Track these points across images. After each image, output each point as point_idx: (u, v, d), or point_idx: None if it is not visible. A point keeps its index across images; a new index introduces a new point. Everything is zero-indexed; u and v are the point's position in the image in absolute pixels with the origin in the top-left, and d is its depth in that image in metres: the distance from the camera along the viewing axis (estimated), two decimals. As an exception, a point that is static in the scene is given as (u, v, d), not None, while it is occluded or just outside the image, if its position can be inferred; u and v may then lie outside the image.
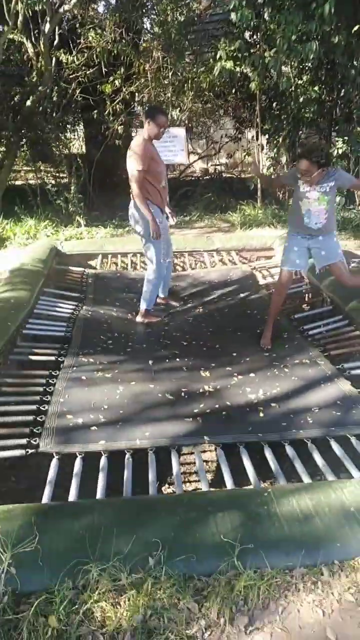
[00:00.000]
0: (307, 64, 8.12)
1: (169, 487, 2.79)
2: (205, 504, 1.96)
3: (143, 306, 4.33)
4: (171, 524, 1.87)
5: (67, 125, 10.60)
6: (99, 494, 2.26)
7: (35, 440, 2.57)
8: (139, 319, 4.34)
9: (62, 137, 9.36)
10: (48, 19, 7.43)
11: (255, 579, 1.70)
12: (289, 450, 2.53)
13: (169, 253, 4.60)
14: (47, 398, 2.96)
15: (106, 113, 8.39)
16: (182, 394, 3.08)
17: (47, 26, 7.48)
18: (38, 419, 2.77)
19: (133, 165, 3.91)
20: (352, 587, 1.69)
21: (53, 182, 9.00)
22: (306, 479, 2.29)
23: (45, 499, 2.23)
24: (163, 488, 2.78)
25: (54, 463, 2.45)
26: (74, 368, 3.32)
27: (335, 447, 2.54)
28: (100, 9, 9.57)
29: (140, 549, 1.79)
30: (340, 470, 2.41)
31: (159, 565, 1.74)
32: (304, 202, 3.55)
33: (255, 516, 1.87)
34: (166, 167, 4.23)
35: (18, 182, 10.91)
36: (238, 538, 1.79)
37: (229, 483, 2.32)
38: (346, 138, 7.59)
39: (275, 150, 8.75)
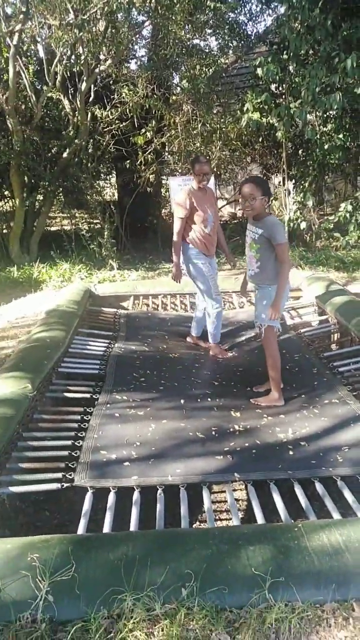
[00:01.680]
0: (331, 113, 8.42)
1: (200, 524, 2.82)
2: (237, 538, 2.00)
3: (212, 341, 4.60)
4: (203, 556, 1.91)
5: (101, 175, 11.13)
6: (132, 527, 2.33)
7: (70, 475, 2.66)
8: (212, 352, 4.59)
9: (96, 186, 9.82)
10: (85, 78, 7.97)
11: (286, 612, 1.73)
12: (319, 487, 2.56)
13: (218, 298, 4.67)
14: (81, 434, 3.06)
15: (138, 162, 8.80)
16: (213, 432, 3.14)
17: (84, 85, 8.02)
18: (73, 454, 2.86)
19: (174, 212, 4.39)
20: (383, 623, 1.70)
21: (87, 227, 9.40)
22: (336, 516, 2.31)
23: (80, 530, 2.30)
24: (195, 525, 2.81)
25: (88, 496, 2.53)
26: (108, 405, 3.43)
27: (365, 485, 2.55)
28: (133, 66, 10.20)
29: (173, 580, 1.84)
30: (371, 508, 2.41)
31: (191, 596, 1.78)
32: (247, 241, 3.57)
33: (286, 550, 1.91)
34: (213, 210, 4.38)
35: (54, 228, 11.41)
36: (269, 571, 1.82)
37: (259, 519, 2.36)
38: (371, 182, 7.74)
39: (301, 195, 8.96)
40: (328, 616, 1.73)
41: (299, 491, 2.53)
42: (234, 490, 2.96)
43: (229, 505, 2.56)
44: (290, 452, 2.87)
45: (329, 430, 3.12)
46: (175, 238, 4.36)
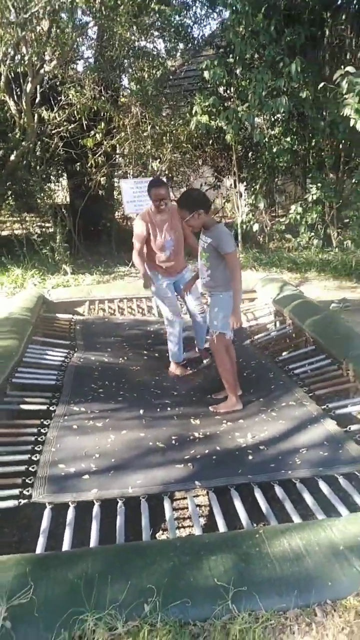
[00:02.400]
0: (279, 116, 8.59)
1: (162, 533, 2.79)
2: (198, 548, 1.98)
3: (172, 360, 4.46)
4: (165, 570, 1.88)
5: (51, 177, 10.93)
6: (92, 543, 2.28)
7: (27, 491, 2.58)
8: (170, 370, 4.44)
9: (46, 189, 9.63)
10: (30, 79, 7.80)
11: (250, 622, 1.72)
12: (279, 491, 2.58)
13: (195, 309, 4.53)
14: (38, 447, 2.98)
15: (89, 165, 8.69)
16: (173, 441, 3.12)
17: (29, 86, 7.84)
18: (30, 468, 2.78)
19: (135, 240, 4.23)
20: (345, 627, 1.72)
21: (39, 231, 9.20)
22: (296, 519, 2.34)
23: (39, 549, 2.23)
24: (157, 535, 2.78)
25: (46, 513, 2.45)
26: (65, 417, 3.35)
27: (323, 486, 2.59)
28: (80, 68, 10.06)
29: (135, 596, 1.80)
30: (329, 508, 2.45)
31: (154, 612, 1.75)
32: (199, 250, 3.59)
33: (248, 558, 1.91)
34: (174, 234, 4.23)
35: (4, 233, 11.12)
36: (232, 581, 1.81)
37: (221, 526, 2.35)
38: (319, 184, 7.94)
39: (253, 197, 9.09)
40: (291, 623, 1.74)
41: (259, 495, 2.55)
42: (195, 496, 2.95)
43: (190, 513, 2.55)
44: (250, 457, 2.89)
45: (286, 432, 3.16)
46: (134, 259, 4.28)
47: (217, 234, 3.35)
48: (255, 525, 2.44)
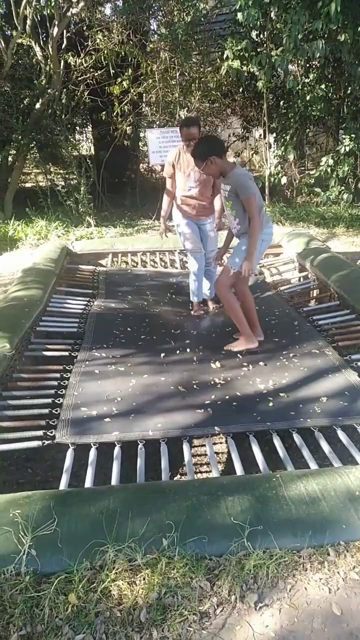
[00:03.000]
0: (314, 63, 8.18)
1: (181, 477, 2.88)
2: (216, 489, 2.03)
3: (192, 299, 4.62)
4: (183, 508, 1.94)
5: (76, 127, 10.74)
6: (113, 481, 2.35)
7: (51, 432, 2.66)
8: (192, 311, 4.60)
9: (71, 139, 9.48)
10: (56, 22, 7.55)
11: (264, 559, 1.78)
12: (297, 438, 2.60)
13: (207, 255, 4.59)
14: (61, 392, 3.05)
15: (114, 114, 8.49)
16: (194, 385, 3.15)
17: (56, 30, 7.61)
18: (53, 411, 2.86)
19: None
20: (357, 566, 1.76)
21: (63, 183, 9.14)
22: (313, 466, 2.36)
23: (62, 486, 2.32)
24: (175, 478, 2.86)
25: (69, 453, 2.54)
26: (87, 362, 3.41)
27: (341, 435, 2.60)
28: (107, 11, 9.69)
29: (154, 531, 1.87)
30: (347, 457, 2.48)
31: (172, 546, 1.82)
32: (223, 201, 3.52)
33: (264, 499, 1.95)
34: (199, 176, 4.21)
35: (28, 185, 11.07)
36: (248, 520, 1.86)
37: (239, 470, 2.40)
38: (353, 136, 7.63)
39: (282, 148, 8.80)
40: (304, 561, 1.79)
41: (277, 443, 2.57)
42: (214, 443, 3.01)
43: (208, 458, 2.60)
44: (270, 404, 2.90)
45: (307, 380, 3.15)
46: (164, 195, 4.47)
47: (235, 179, 3.27)
48: (272, 471, 2.48)
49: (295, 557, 1.80)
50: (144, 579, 1.75)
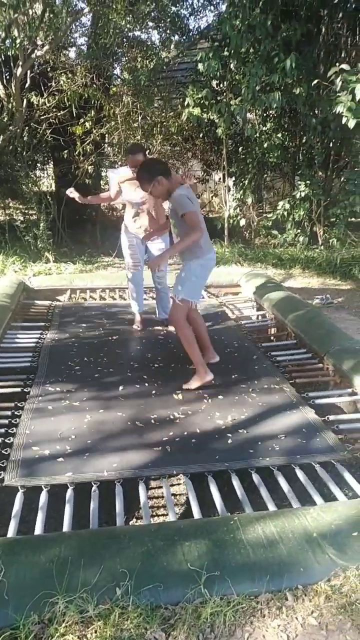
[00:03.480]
0: (271, 112, 8.58)
1: (137, 521, 2.78)
2: (173, 533, 1.97)
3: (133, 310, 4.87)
4: (138, 554, 1.87)
5: (37, 164, 10.80)
6: (65, 527, 2.24)
7: (0, 474, 2.53)
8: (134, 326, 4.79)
9: (32, 175, 9.51)
10: (20, 63, 7.67)
11: (221, 606, 1.71)
12: (256, 478, 2.57)
13: (162, 281, 4.77)
14: (12, 430, 2.93)
15: (76, 153, 8.59)
16: (152, 420, 3.09)
17: (19, 70, 7.71)
18: (3, 452, 2.73)
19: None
20: (315, 610, 1.72)
21: (22, 218, 9.08)
22: (271, 507, 2.33)
23: (10, 533, 2.19)
24: (131, 522, 2.76)
25: (18, 497, 2.41)
26: (40, 398, 3.30)
27: (300, 474, 2.59)
28: (72, 54, 9.93)
29: (107, 580, 1.78)
30: (305, 497, 2.46)
31: (126, 596, 1.73)
32: None
33: (222, 544, 1.90)
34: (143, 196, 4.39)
35: (-13, 219, 10.93)
36: (205, 566, 1.80)
37: (196, 513, 2.34)
38: (308, 182, 7.96)
39: (241, 192, 9.08)
40: (262, 607, 1.74)
41: (236, 483, 2.53)
42: (172, 485, 2.94)
43: (165, 500, 2.53)
44: (229, 441, 2.86)
45: (266, 417, 3.14)
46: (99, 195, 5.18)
47: (175, 198, 3.25)
48: (230, 513, 2.43)
49: (253, 602, 1.75)
50: (95, 632, 1.65)
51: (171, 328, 4.55)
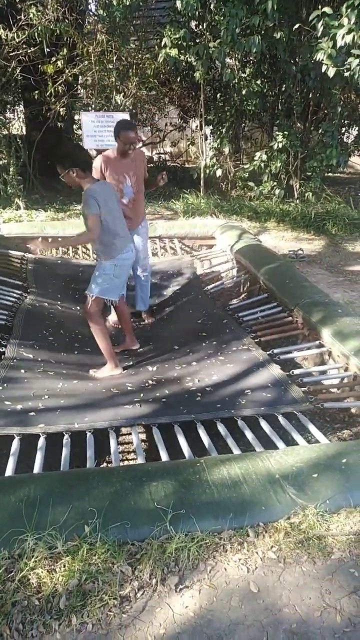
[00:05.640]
0: (250, 58, 8.29)
1: (107, 465, 2.85)
2: (140, 475, 2.03)
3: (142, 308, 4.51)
4: (107, 494, 1.93)
5: (7, 105, 10.29)
6: (36, 471, 2.29)
7: (-28, 422, 2.55)
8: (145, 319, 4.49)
9: (1, 117, 9.07)
10: (-13, -9, 7.16)
11: (186, 542, 1.80)
12: (222, 428, 2.66)
13: (144, 266, 4.41)
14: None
15: (47, 94, 8.20)
16: (126, 387, 3.16)
17: (-14, -1, 7.20)
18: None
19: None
20: (274, 545, 1.83)
21: (-9, 162, 8.72)
22: (237, 452, 2.42)
23: (-20, 475, 2.23)
24: (101, 466, 2.83)
25: (-10, 443, 2.45)
26: (15, 360, 3.28)
27: (264, 425, 2.69)
28: (43, -15, 9.28)
29: (76, 519, 1.84)
30: (269, 445, 2.55)
31: (94, 533, 1.80)
32: None
33: (188, 484, 1.97)
34: (135, 180, 4.04)
35: None
36: (171, 505, 1.88)
37: (164, 458, 2.41)
38: (286, 133, 7.82)
39: (218, 141, 8.88)
40: (225, 542, 1.83)
41: (202, 432, 2.61)
42: (141, 432, 3.01)
43: (134, 447, 2.59)
44: (197, 399, 2.95)
45: (233, 376, 3.24)
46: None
47: (83, 197, 3.18)
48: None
49: (216, 538, 1.84)
50: (64, 566, 1.73)
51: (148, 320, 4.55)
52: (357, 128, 9.69)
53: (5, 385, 2.95)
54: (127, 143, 3.81)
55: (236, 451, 2.45)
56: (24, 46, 7.88)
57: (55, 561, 1.74)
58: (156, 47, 8.45)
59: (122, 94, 8.78)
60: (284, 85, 8.34)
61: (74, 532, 1.81)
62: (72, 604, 1.62)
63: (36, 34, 7.64)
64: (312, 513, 1.93)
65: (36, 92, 8.29)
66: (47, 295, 4.68)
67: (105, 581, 1.69)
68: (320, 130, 8.08)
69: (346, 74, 5.87)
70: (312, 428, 2.69)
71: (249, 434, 2.61)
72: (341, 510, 1.97)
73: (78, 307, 4.55)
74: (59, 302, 4.58)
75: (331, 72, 5.79)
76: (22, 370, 3.18)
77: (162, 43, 7.54)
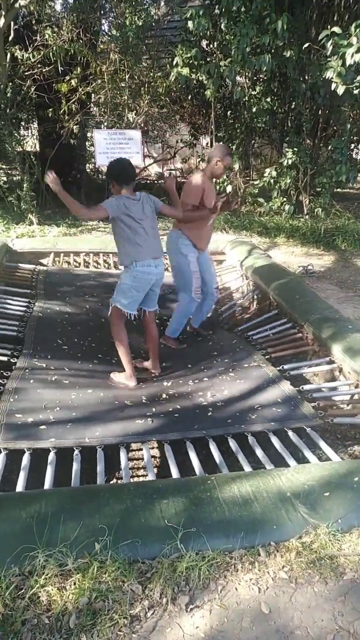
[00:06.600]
0: (260, 76, 8.38)
1: (117, 481, 2.85)
2: (151, 492, 2.03)
3: (168, 332, 4.17)
4: (117, 511, 1.93)
5: (22, 123, 10.48)
6: (46, 486, 2.30)
7: (-18, 437, 2.56)
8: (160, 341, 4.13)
9: (16, 134, 9.23)
10: (3, 12, 7.33)
11: (196, 561, 1.79)
12: (232, 444, 2.65)
13: (209, 290, 4.29)
14: (-4, 395, 2.95)
15: (61, 112, 8.35)
16: (142, 399, 3.17)
17: (2, 20, 7.38)
18: (-14, 416, 2.76)
19: (187, 198, 3.85)
20: (286, 565, 1.81)
21: (5, 179, 8.85)
22: (247, 469, 2.41)
23: (-8, 490, 2.24)
24: (112, 482, 2.83)
25: (1, 458, 2.45)
26: (27, 370, 3.29)
27: (274, 440, 2.68)
28: (58, 7, 9.52)
29: (86, 536, 1.84)
30: (279, 461, 2.54)
31: (104, 550, 1.80)
32: None
33: (199, 502, 1.97)
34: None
35: (-32, 178, 10.64)
36: (181, 522, 1.87)
37: (175, 475, 2.41)
38: (295, 149, 7.87)
39: (228, 157, 8.94)
40: (236, 562, 1.82)
41: (213, 448, 2.61)
42: (151, 448, 3.01)
43: (145, 463, 2.59)
44: (209, 414, 2.96)
45: (243, 391, 3.24)
46: (183, 221, 3.87)
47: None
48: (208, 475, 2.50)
49: (227, 558, 1.83)
50: (74, 583, 1.72)
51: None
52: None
53: (16, 397, 2.97)
54: (228, 168, 3.79)
55: (247, 468, 2.44)
56: (39, 65, 8.06)
57: (66, 579, 1.73)
58: (168, 65, 8.59)
59: (134, 111, 8.91)
60: (294, 103, 8.41)
61: (84, 549, 1.80)
62: (82, 622, 1.61)
63: (51, 53, 7.81)
64: (324, 532, 1.91)
65: (50, 110, 8.45)
66: (57, 299, 4.72)
67: (116, 600, 1.68)
68: (329, 147, 8.13)
69: (355, 92, 5.93)
70: (323, 445, 2.67)
71: (259, 452, 2.60)
72: (353, 530, 1.95)
73: (90, 311, 4.57)
74: (69, 306, 4.61)
75: (340, 89, 5.84)
76: (34, 381, 3.19)
77: (174, 62, 7.66)
